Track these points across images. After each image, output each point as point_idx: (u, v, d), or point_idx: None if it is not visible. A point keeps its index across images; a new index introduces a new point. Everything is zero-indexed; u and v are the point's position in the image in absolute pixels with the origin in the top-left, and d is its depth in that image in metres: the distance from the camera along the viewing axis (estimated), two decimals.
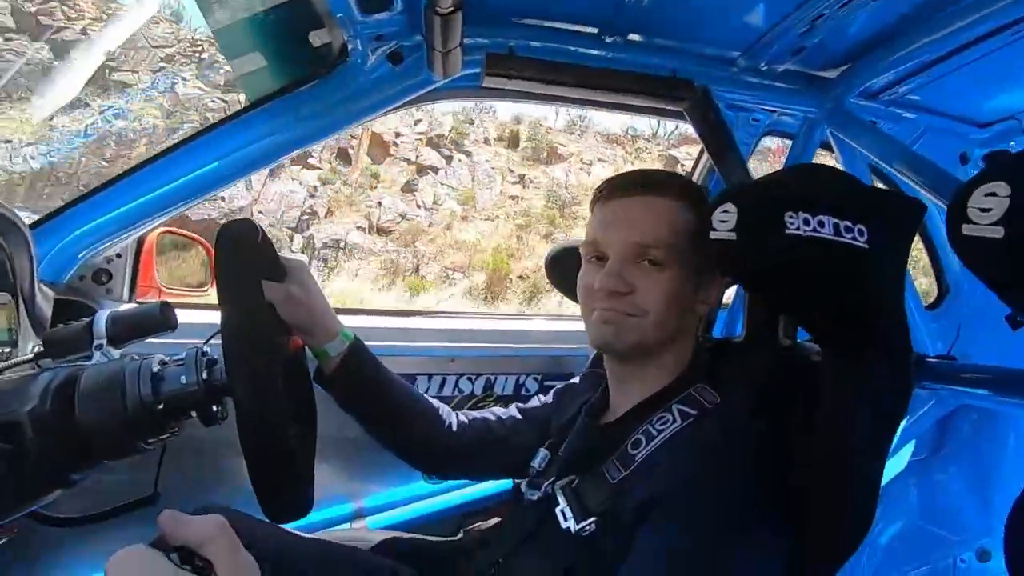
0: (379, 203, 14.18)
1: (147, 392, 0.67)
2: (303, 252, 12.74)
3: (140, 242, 1.20)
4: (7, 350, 0.79)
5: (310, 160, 14.12)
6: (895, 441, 1.49)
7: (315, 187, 13.84)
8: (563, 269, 1.18)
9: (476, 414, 1.08)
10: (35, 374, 0.69)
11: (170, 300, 1.28)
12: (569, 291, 1.02)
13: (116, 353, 0.85)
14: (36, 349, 0.79)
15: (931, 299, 1.65)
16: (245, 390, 0.58)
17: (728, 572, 0.65)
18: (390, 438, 1.02)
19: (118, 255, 1.16)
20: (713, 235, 0.69)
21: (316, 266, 12.40)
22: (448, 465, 1.08)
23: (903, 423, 1.49)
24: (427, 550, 1.05)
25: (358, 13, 0.96)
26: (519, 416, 1.08)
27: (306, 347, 0.92)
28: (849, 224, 0.67)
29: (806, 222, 0.66)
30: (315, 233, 13.13)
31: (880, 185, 1.51)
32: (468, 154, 16.30)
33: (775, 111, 1.31)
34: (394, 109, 1.17)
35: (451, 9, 0.90)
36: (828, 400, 0.75)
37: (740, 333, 1.12)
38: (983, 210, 0.44)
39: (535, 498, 0.90)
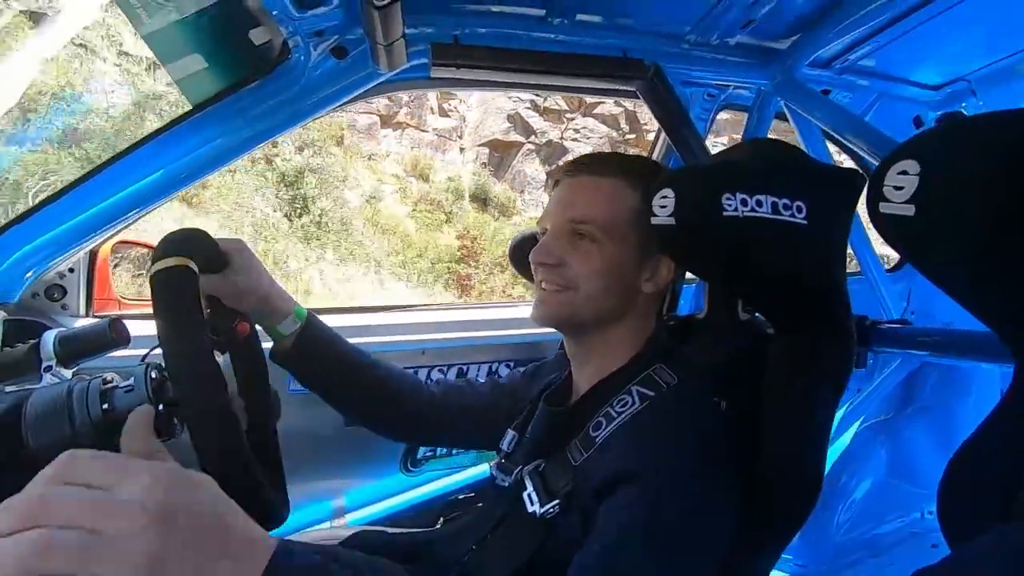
0: None
1: (96, 413, 0.66)
2: None
3: (93, 255, 1.17)
4: None
5: None
6: (862, 403, 1.55)
7: None
8: (524, 256, 1.18)
9: (451, 383, 1.10)
10: None
11: (132, 311, 1.26)
12: (530, 277, 1.02)
13: (68, 373, 0.85)
14: None
15: (892, 262, 1.68)
16: (199, 440, 0.58)
17: (683, 545, 0.66)
18: (359, 412, 1.04)
19: (71, 270, 1.14)
20: (654, 220, 0.69)
21: None
22: (422, 434, 1.10)
23: (870, 386, 1.54)
24: (402, 542, 1.06)
25: (293, 10, 0.94)
26: (493, 387, 1.09)
27: (256, 327, 0.91)
28: (787, 202, 0.68)
29: (744, 203, 0.67)
30: None
31: (841, 154, 1.53)
32: None
33: (729, 85, 1.31)
34: (345, 104, 1.15)
35: (387, 1, 0.88)
36: (776, 372, 0.77)
37: (703, 309, 1.13)
38: (896, 188, 0.45)
39: (506, 484, 0.92)
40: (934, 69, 1.38)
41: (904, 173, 0.45)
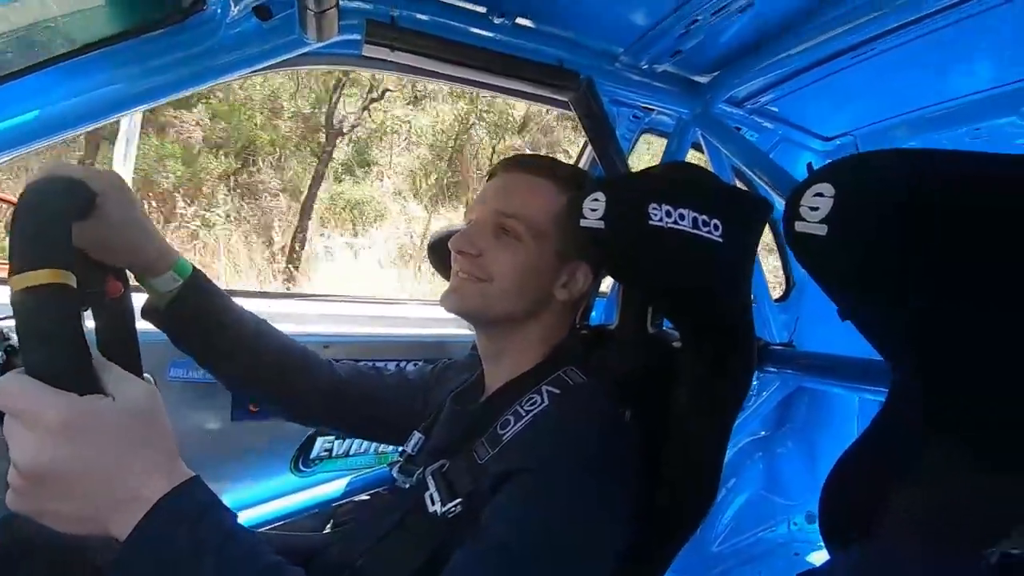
0: None
1: None
2: None
3: None
4: None
5: None
6: (745, 420, 1.67)
7: None
8: (443, 253, 1.16)
9: (358, 366, 1.03)
10: None
11: None
12: (447, 275, 1.00)
13: None
14: None
15: (779, 293, 1.84)
16: None
17: (565, 546, 0.65)
18: (247, 384, 0.94)
19: None
20: (583, 223, 0.70)
21: None
22: (320, 416, 1.01)
23: (753, 404, 1.66)
24: (288, 546, 0.99)
25: None
26: (401, 380, 1.04)
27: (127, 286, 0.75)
28: (706, 219, 0.72)
29: (668, 214, 0.69)
30: None
31: (741, 186, 1.65)
32: None
33: (653, 109, 1.37)
34: (263, 69, 1.06)
35: None
36: (681, 384, 0.80)
37: (614, 321, 1.17)
38: (812, 208, 0.48)
39: (407, 486, 0.88)
40: (828, 122, 1.54)
41: (820, 195, 0.48)
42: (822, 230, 0.47)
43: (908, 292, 0.45)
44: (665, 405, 0.85)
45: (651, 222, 0.68)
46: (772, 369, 1.05)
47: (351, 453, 1.34)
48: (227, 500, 1.20)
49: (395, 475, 0.93)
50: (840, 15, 1.05)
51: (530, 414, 0.77)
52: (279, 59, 1.03)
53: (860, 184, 0.46)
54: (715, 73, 1.33)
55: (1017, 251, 0.41)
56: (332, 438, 1.31)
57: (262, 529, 1.03)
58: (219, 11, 0.97)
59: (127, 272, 0.74)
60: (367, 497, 1.27)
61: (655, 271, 0.73)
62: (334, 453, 1.31)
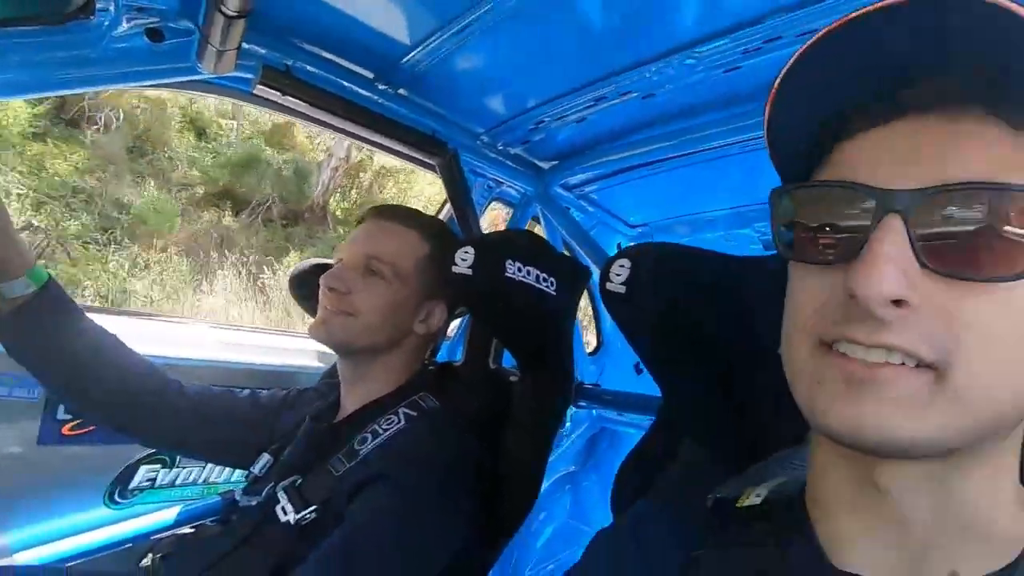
0: None
1: None
2: None
3: None
4: None
5: None
6: (558, 458, 1.92)
7: None
8: (307, 286, 1.22)
9: (210, 387, 1.03)
10: None
11: None
12: (312, 309, 1.07)
13: None
14: None
15: (592, 347, 2.19)
16: None
17: (418, 540, 0.79)
18: (93, 403, 0.91)
19: None
20: (454, 269, 0.87)
21: None
22: (173, 436, 1.00)
23: (564, 444, 1.93)
24: None
25: None
26: (253, 401, 1.06)
27: None
28: (545, 276, 0.94)
29: (519, 269, 0.90)
30: None
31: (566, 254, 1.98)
32: None
33: (503, 183, 1.63)
34: (150, 87, 1.07)
35: (237, 14, 0.92)
36: (519, 404, 0.99)
37: (459, 359, 1.34)
38: (616, 274, 0.72)
39: (254, 503, 0.91)
40: (633, 213, 1.95)
41: (622, 267, 0.71)
42: (622, 290, 0.71)
43: (676, 342, 0.70)
44: (502, 430, 1.03)
45: (507, 274, 0.88)
46: (583, 404, 1.30)
47: (177, 483, 1.26)
48: (26, 535, 1.08)
49: (239, 498, 0.95)
50: (644, 139, 1.41)
51: (387, 432, 0.89)
52: (166, 81, 1.06)
53: (648, 263, 0.71)
54: (554, 162, 1.63)
55: (738, 324, 0.67)
56: (158, 466, 1.23)
57: (68, 564, 0.94)
58: (107, 23, 0.98)
59: None
60: (192, 530, 1.21)
61: (507, 313, 0.93)
62: (158, 483, 1.22)
